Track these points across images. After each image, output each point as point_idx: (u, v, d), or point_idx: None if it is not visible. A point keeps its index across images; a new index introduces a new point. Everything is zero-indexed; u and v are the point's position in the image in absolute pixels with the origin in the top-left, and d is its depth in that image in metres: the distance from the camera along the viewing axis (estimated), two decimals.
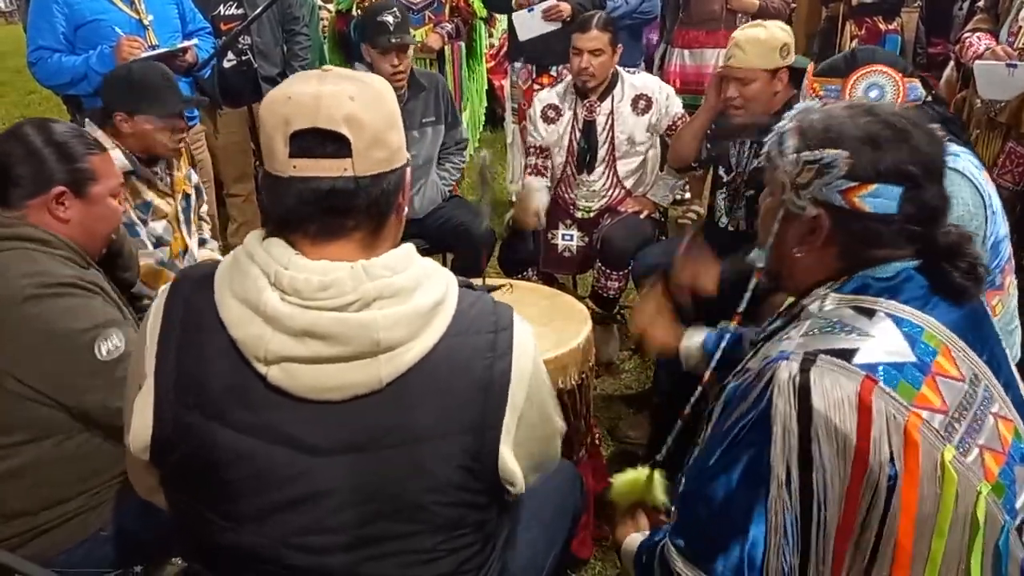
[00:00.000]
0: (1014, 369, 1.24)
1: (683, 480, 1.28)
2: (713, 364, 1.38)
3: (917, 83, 1.86)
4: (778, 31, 2.61)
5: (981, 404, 1.12)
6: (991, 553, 1.08)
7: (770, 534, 1.10)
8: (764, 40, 2.57)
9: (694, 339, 1.84)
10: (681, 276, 2.07)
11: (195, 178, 2.69)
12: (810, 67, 2.05)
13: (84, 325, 1.56)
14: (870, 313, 1.15)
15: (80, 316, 1.56)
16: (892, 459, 1.05)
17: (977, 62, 2.94)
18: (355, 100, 1.06)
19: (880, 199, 1.15)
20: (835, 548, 1.09)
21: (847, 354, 1.10)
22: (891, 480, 1.05)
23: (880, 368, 1.08)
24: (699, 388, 1.39)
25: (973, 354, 1.15)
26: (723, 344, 1.40)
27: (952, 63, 3.19)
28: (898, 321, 1.13)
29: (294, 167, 1.05)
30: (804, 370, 1.09)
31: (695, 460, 1.26)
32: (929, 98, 1.87)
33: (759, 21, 2.72)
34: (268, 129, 1.07)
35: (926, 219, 1.17)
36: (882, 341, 1.11)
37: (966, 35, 3.14)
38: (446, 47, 4.28)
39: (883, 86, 1.83)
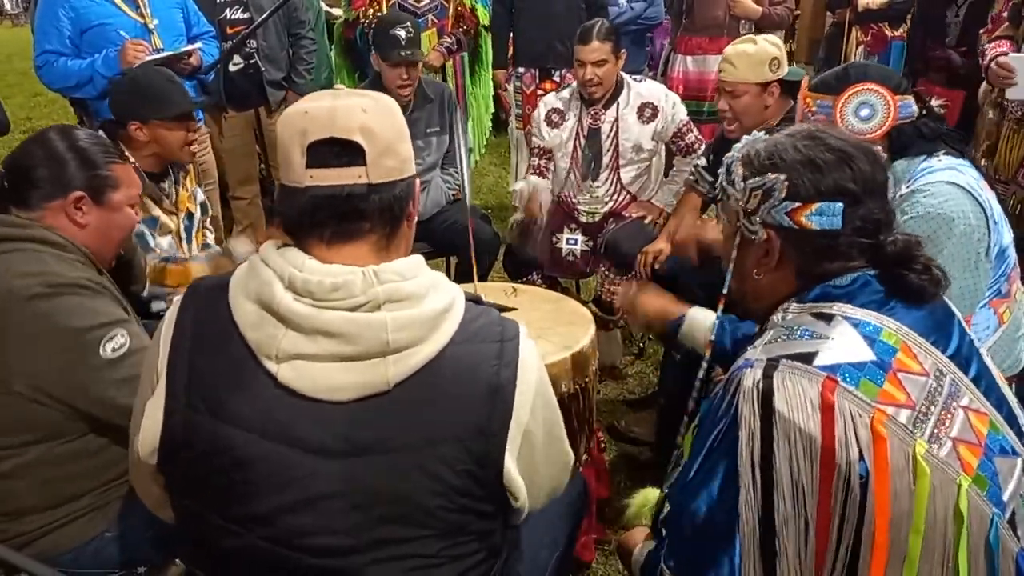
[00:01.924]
0: (991, 365, 1.26)
1: (668, 499, 1.30)
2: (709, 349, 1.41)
3: (910, 100, 1.86)
4: (768, 46, 2.65)
5: (948, 397, 1.14)
6: (982, 547, 1.09)
7: (743, 540, 1.12)
8: (753, 54, 2.62)
9: (703, 316, 1.83)
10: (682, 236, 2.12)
11: (201, 196, 2.71)
12: (804, 80, 2.06)
13: (89, 323, 1.56)
14: (828, 318, 1.19)
15: (85, 314, 1.57)
16: (861, 456, 1.07)
17: (1012, 54, 2.88)
18: (367, 112, 1.10)
19: (824, 216, 1.22)
20: (816, 550, 1.10)
21: (808, 357, 1.13)
22: (863, 478, 1.06)
23: (841, 368, 1.11)
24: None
25: (935, 350, 1.18)
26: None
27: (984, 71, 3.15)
28: (855, 323, 1.17)
29: (311, 177, 1.09)
30: (767, 376, 1.12)
31: (677, 477, 1.28)
32: (924, 113, 1.88)
33: (750, 36, 2.75)
34: (285, 142, 1.11)
35: (871, 231, 1.23)
36: (841, 343, 1.15)
37: (987, 45, 3.09)
38: (447, 66, 4.30)
39: (873, 104, 1.84)
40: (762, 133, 1.34)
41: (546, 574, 1.54)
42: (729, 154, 1.34)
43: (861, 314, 1.18)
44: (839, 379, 1.10)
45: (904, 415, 1.09)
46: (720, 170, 1.35)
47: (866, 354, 1.13)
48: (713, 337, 1.53)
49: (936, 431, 1.11)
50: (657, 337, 3.07)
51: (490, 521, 1.18)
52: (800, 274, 1.27)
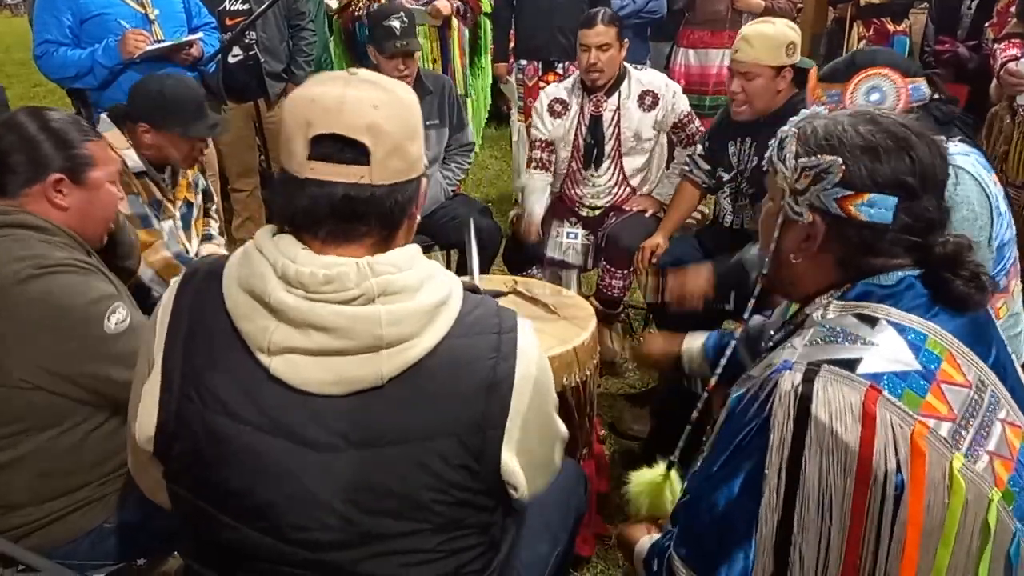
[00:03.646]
0: (1020, 372, 1.23)
1: (686, 489, 1.28)
2: (718, 370, 1.38)
3: (921, 83, 1.83)
4: (787, 29, 2.62)
5: (988, 410, 1.11)
6: (1002, 561, 1.08)
7: (760, 541, 1.10)
8: (771, 36, 2.59)
9: (695, 342, 1.85)
10: (672, 292, 2.15)
11: (202, 182, 2.70)
12: (813, 71, 2.05)
13: (90, 297, 1.55)
14: (873, 321, 1.14)
15: (83, 290, 1.56)
16: (899, 468, 1.04)
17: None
18: (379, 109, 1.06)
19: (875, 208, 1.15)
20: (845, 561, 1.08)
21: (851, 364, 1.09)
22: (898, 489, 1.04)
23: (884, 377, 1.08)
24: (703, 394, 1.39)
25: (978, 360, 1.14)
26: (728, 352, 1.39)
27: (995, 74, 3.12)
28: (901, 329, 1.12)
29: (311, 169, 1.05)
30: (807, 380, 1.08)
31: (698, 469, 1.26)
32: (936, 97, 1.85)
33: (768, 18, 2.72)
34: (289, 129, 1.07)
35: (921, 230, 1.17)
36: (886, 350, 1.10)
37: (997, 46, 3.07)
38: (453, 20, 4.23)
39: (883, 89, 1.82)
40: (822, 108, 1.28)
41: (546, 569, 1.54)
42: (784, 128, 1.27)
43: (907, 319, 1.13)
44: (882, 389, 1.06)
45: (945, 428, 1.06)
46: (772, 141, 1.28)
47: (911, 363, 1.09)
48: (718, 372, 1.51)
49: (974, 444, 1.08)
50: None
51: (488, 515, 1.17)
52: (840, 265, 1.22)
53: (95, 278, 1.61)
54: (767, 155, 1.28)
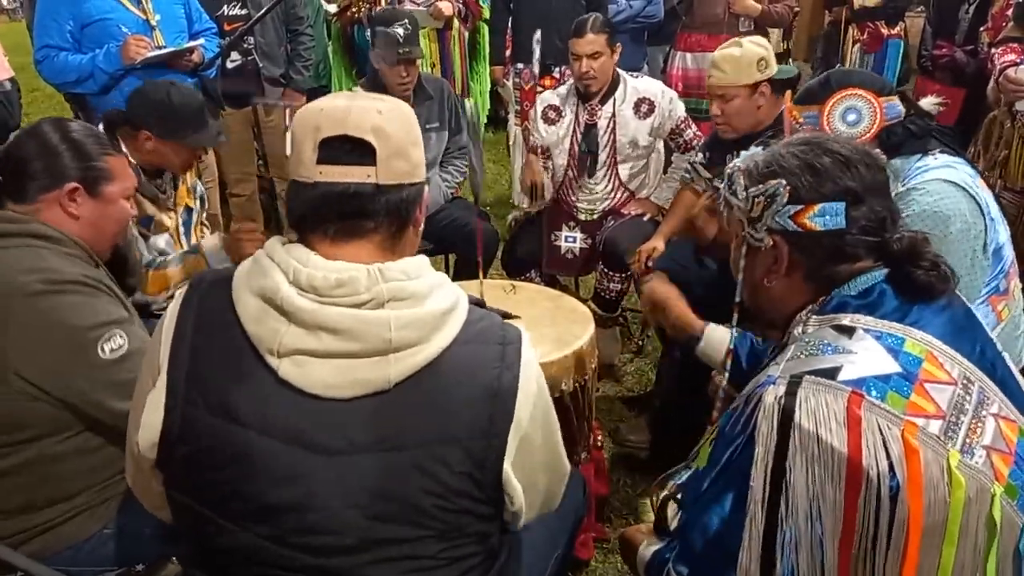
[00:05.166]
0: (1012, 367, 1.25)
1: (678, 505, 1.31)
2: (726, 372, 1.41)
3: (895, 101, 1.88)
4: (754, 47, 2.67)
5: (978, 406, 1.13)
6: (1010, 556, 1.09)
7: (743, 554, 1.12)
8: (739, 57, 2.64)
9: (721, 333, 1.80)
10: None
11: (200, 188, 2.70)
12: (788, 94, 2.07)
13: (88, 323, 1.56)
14: (850, 331, 1.18)
15: (85, 313, 1.56)
16: (892, 469, 1.05)
17: (1023, 67, 2.89)
18: (382, 114, 1.11)
19: (827, 216, 1.23)
20: (839, 564, 1.09)
21: (831, 372, 1.13)
22: (893, 491, 1.05)
23: (866, 382, 1.11)
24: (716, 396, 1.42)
25: (961, 357, 1.17)
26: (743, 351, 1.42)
27: (993, 79, 3.12)
28: (878, 336, 1.16)
29: (320, 172, 1.10)
30: (790, 393, 1.12)
31: (690, 487, 1.29)
32: (912, 113, 1.89)
33: (735, 39, 2.76)
34: (299, 137, 1.12)
35: (876, 229, 1.24)
36: (865, 357, 1.14)
37: (994, 50, 3.08)
38: (454, 22, 4.22)
39: (860, 109, 1.86)
40: (759, 148, 1.37)
41: (545, 573, 1.54)
42: (729, 166, 1.36)
43: (883, 326, 1.18)
44: (865, 393, 1.09)
45: (935, 426, 1.08)
46: (721, 184, 1.37)
47: (891, 366, 1.12)
48: (732, 345, 1.55)
49: (968, 440, 1.09)
50: (659, 334, 3.08)
51: (488, 523, 1.18)
52: (810, 278, 1.28)
53: (102, 300, 1.62)
54: (721, 196, 1.37)
